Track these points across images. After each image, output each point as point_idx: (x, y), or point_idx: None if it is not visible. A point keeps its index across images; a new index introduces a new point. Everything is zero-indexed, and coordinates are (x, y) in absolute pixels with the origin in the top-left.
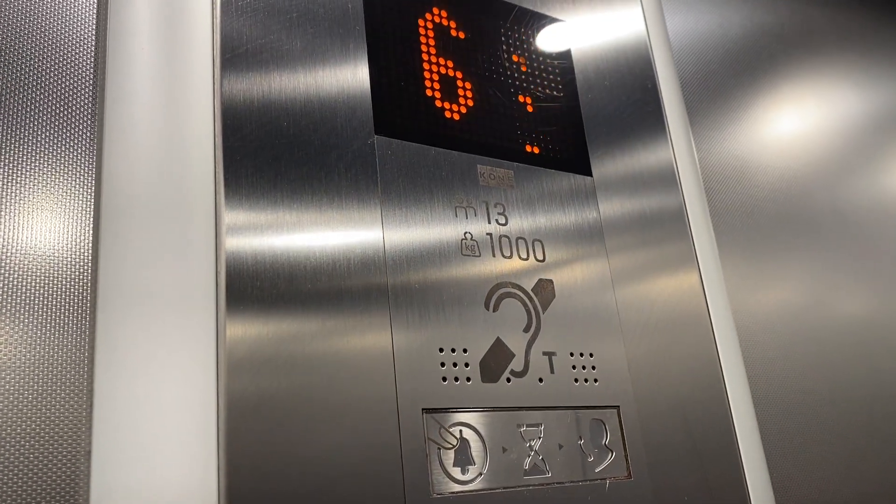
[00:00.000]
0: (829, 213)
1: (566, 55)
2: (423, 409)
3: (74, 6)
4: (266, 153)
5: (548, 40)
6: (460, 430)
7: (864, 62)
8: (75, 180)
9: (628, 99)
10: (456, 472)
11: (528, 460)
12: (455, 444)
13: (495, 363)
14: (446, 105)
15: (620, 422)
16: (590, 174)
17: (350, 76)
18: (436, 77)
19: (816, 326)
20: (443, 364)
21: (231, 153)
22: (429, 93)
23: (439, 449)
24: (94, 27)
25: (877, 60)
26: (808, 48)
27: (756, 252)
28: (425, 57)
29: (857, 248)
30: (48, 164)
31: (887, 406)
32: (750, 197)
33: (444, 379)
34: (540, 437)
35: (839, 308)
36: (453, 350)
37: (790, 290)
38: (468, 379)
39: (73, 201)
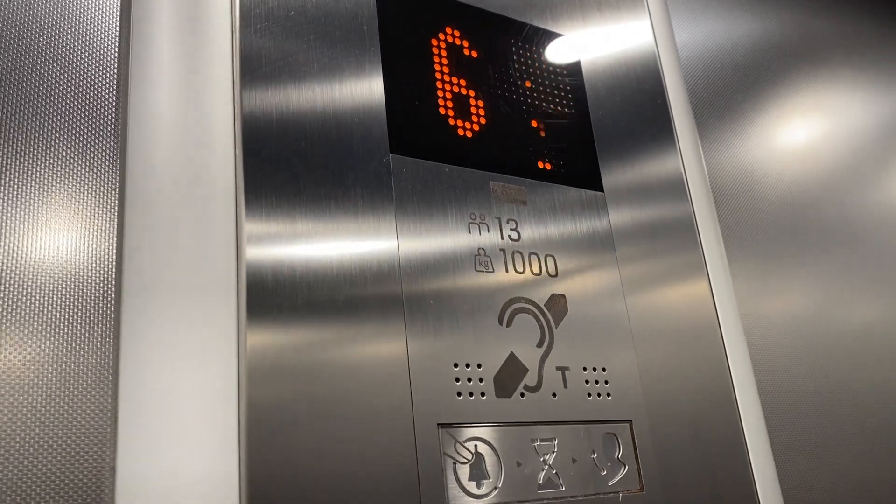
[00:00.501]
0: (837, 223)
1: (577, 71)
2: (438, 424)
3: (97, 20)
4: (285, 173)
5: (558, 57)
6: (475, 445)
7: (872, 74)
8: (99, 193)
9: (639, 114)
10: (471, 487)
11: (542, 474)
12: (470, 458)
13: (509, 378)
14: (459, 123)
15: (633, 435)
16: (601, 189)
17: (366, 95)
18: (449, 96)
19: (825, 336)
20: (457, 379)
21: (251, 170)
22: (442, 111)
23: (455, 463)
24: (116, 45)
25: (884, 72)
26: (816, 61)
27: (765, 262)
28: (439, 76)
29: (866, 258)
30: (72, 178)
31: None
32: (758, 208)
33: (459, 394)
34: (554, 452)
35: (848, 317)
36: (468, 365)
37: (799, 299)
38: (482, 394)
39: (96, 213)
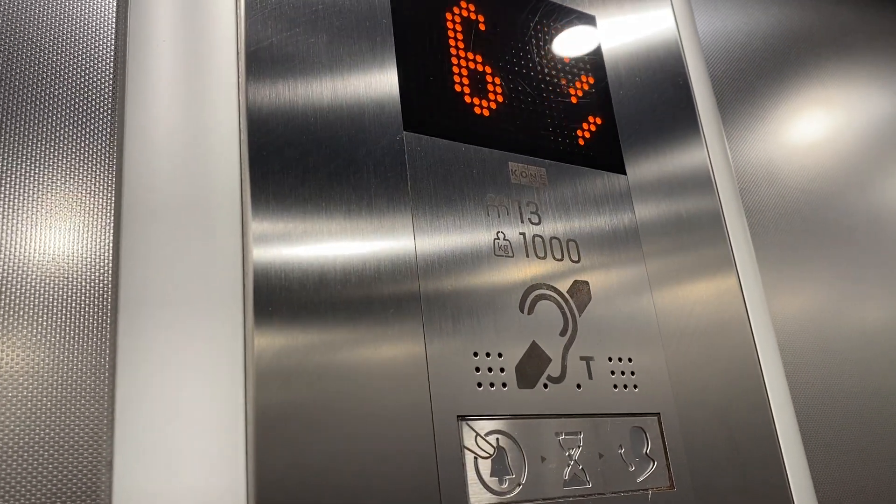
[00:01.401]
0: (861, 213)
1: (597, 51)
2: (458, 417)
3: (94, 7)
4: (293, 150)
5: (578, 36)
6: (497, 439)
7: (893, 63)
8: (95, 186)
9: (660, 97)
10: (493, 483)
11: (567, 470)
12: (492, 453)
13: (531, 368)
14: (476, 101)
15: (661, 429)
16: (624, 172)
17: (377, 71)
18: (464, 72)
19: (853, 328)
20: (477, 369)
21: (257, 149)
22: (458, 88)
23: (476, 458)
24: (113, 29)
25: None
26: (837, 48)
27: (790, 254)
28: (453, 52)
29: (892, 249)
30: (67, 169)
31: None
32: (782, 198)
33: (480, 385)
34: (579, 446)
35: (875, 309)
36: (488, 355)
37: (826, 292)
38: (504, 385)
39: (93, 206)
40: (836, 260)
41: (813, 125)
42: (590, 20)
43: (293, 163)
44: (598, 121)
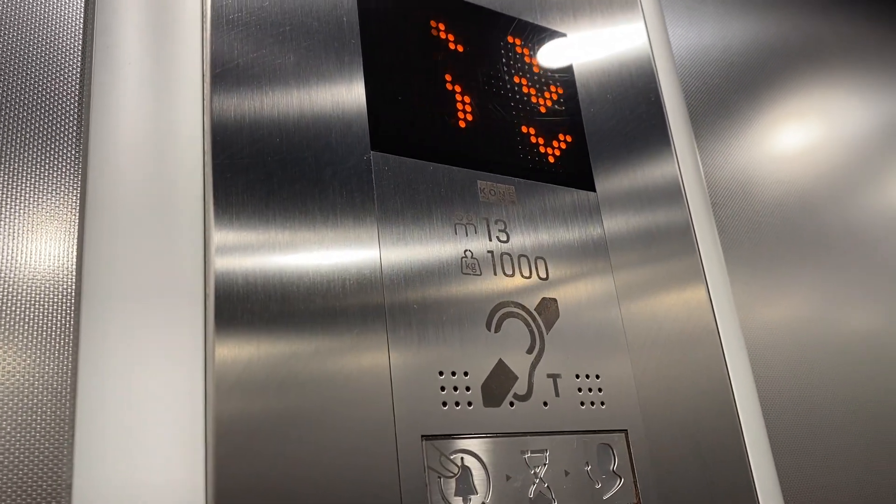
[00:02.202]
0: (835, 226)
1: (568, 69)
2: (422, 436)
3: (60, 18)
4: (258, 170)
5: (549, 53)
6: (462, 458)
7: (869, 76)
8: (59, 197)
9: (632, 113)
10: (457, 503)
11: (533, 488)
12: (456, 472)
13: (498, 387)
14: (445, 120)
15: (629, 446)
16: (593, 189)
17: (345, 90)
18: (434, 91)
19: (825, 341)
20: (443, 388)
21: (221, 170)
22: (426, 107)
23: (440, 478)
24: (80, 40)
25: (882, 74)
26: (812, 62)
27: (763, 267)
28: (423, 71)
29: (865, 262)
30: (31, 181)
31: None
32: (756, 211)
33: (445, 404)
34: (545, 464)
35: (848, 322)
36: (454, 373)
37: (798, 304)
38: (469, 403)
39: (57, 218)
40: (809, 273)
41: (788, 138)
42: (561, 37)
43: (257, 183)
44: (568, 138)
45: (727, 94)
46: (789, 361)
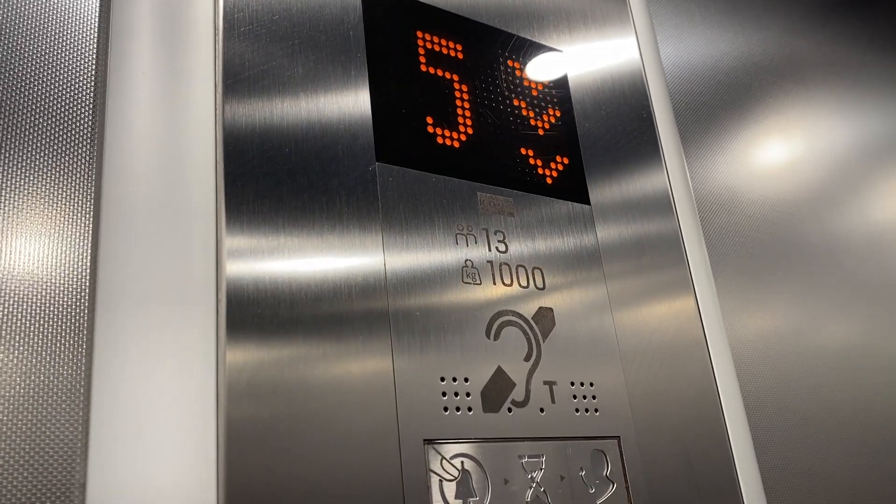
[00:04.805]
0: (817, 240)
1: (563, 84)
2: (424, 440)
3: (75, 27)
4: (268, 179)
5: (545, 69)
6: (462, 462)
7: (851, 95)
8: (73, 204)
9: (625, 128)
10: None
11: (529, 492)
12: (457, 475)
13: (496, 393)
14: (447, 133)
15: (621, 452)
16: (588, 202)
17: (351, 103)
18: (436, 105)
19: (808, 352)
20: (444, 394)
21: (232, 179)
22: (430, 120)
23: (441, 480)
24: (95, 50)
25: (861, 94)
26: (796, 80)
27: (748, 279)
28: (426, 85)
29: (847, 276)
30: (46, 188)
31: (884, 431)
32: (741, 225)
33: (446, 409)
34: (541, 469)
35: (829, 333)
36: (454, 379)
37: (782, 315)
38: (469, 409)
39: (71, 225)
40: (793, 285)
41: (773, 154)
42: (557, 54)
43: (267, 192)
44: (565, 152)
45: (715, 110)
46: (774, 371)
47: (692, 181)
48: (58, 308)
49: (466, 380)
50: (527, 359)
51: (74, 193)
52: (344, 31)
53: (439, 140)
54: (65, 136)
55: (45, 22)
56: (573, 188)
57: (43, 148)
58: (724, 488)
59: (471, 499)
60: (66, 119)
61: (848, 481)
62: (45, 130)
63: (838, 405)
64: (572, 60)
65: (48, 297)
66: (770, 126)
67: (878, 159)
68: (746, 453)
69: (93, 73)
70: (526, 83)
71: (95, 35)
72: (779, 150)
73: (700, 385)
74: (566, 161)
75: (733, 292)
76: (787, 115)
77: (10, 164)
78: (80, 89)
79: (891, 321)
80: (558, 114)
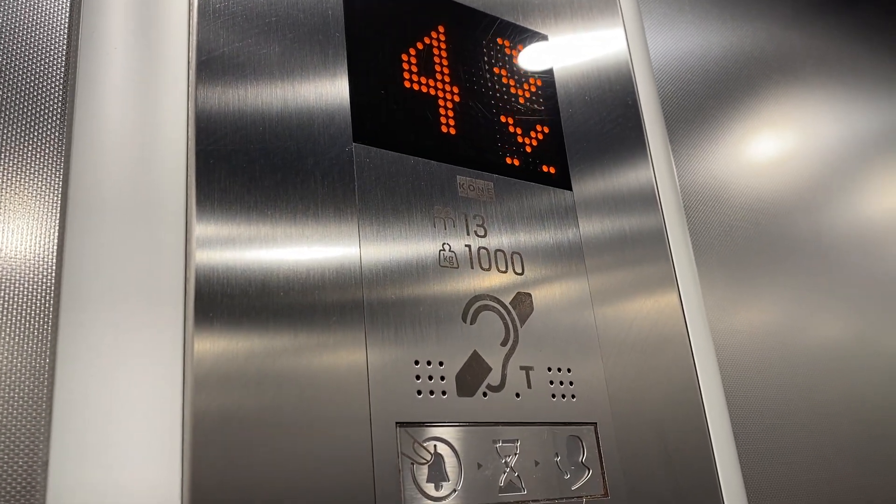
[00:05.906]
0: (806, 235)
1: (548, 69)
2: (396, 423)
3: (46, 8)
4: (240, 157)
5: (529, 54)
6: (434, 445)
7: (841, 89)
8: (41, 185)
9: (609, 115)
10: (429, 489)
11: (503, 477)
12: (429, 459)
13: (472, 377)
14: (426, 115)
15: (597, 439)
16: (570, 189)
17: (329, 83)
18: (416, 87)
19: (793, 347)
20: (418, 377)
21: (204, 157)
22: (409, 102)
23: (413, 464)
24: (66, 29)
25: (852, 87)
26: (786, 72)
27: (734, 273)
28: (406, 66)
29: (834, 271)
30: (13, 168)
31: (864, 427)
32: (728, 218)
33: (419, 392)
34: (516, 454)
35: (814, 328)
36: (429, 363)
37: (768, 311)
38: (444, 393)
39: (38, 206)
40: (778, 280)
41: (761, 146)
42: (542, 38)
43: (240, 170)
44: (547, 137)
45: (703, 101)
46: (757, 364)
47: (678, 172)
48: (23, 297)
49: (441, 364)
50: (504, 343)
51: (43, 176)
52: (323, 10)
53: (418, 122)
54: (34, 113)
55: (11, 7)
56: (555, 174)
57: (11, 124)
58: (703, 478)
59: (443, 482)
60: (35, 95)
61: (826, 473)
62: (13, 106)
63: (820, 399)
64: (557, 46)
65: (15, 288)
66: (759, 119)
67: (869, 154)
68: (726, 444)
69: (64, 48)
70: (509, 67)
71: (67, 9)
72: (768, 143)
73: (681, 376)
74: (548, 145)
75: (718, 286)
76: (777, 107)
77: None
78: (51, 64)
79: (879, 317)
80: (542, 98)
